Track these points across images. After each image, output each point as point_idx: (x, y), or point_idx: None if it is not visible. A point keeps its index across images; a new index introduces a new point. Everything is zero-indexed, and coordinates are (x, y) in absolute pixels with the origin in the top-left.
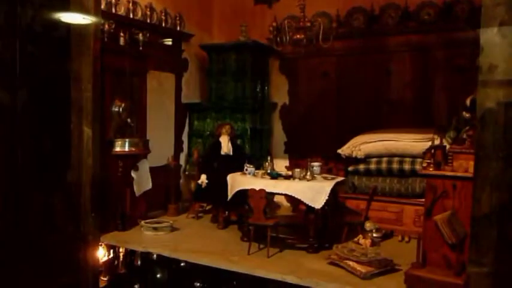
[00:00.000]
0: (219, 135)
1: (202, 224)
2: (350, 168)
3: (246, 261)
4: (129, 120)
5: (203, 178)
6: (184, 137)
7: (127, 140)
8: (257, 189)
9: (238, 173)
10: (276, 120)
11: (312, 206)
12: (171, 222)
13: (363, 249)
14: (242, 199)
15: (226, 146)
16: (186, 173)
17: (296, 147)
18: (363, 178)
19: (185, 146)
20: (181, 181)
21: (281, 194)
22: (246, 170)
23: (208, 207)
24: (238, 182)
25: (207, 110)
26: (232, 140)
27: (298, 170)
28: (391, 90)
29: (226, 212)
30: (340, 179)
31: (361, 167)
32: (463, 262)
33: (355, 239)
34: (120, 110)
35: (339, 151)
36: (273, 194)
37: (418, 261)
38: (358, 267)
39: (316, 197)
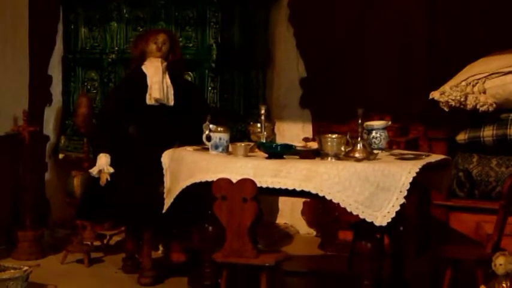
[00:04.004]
0: (142, 59)
1: (102, 274)
2: (460, 138)
3: None
4: None
5: (102, 163)
6: (55, 67)
7: None
8: (235, 180)
9: (189, 148)
10: (280, 27)
11: (368, 220)
12: (26, 269)
13: None
14: (197, 210)
15: (158, 84)
16: (61, 155)
17: (328, 93)
18: (490, 160)
19: (57, 88)
20: (47, 175)
21: (293, 195)
22: (209, 138)
23: (114, 236)
24: (188, 166)
25: None
26: (175, 71)
27: (335, 137)
28: None
29: (160, 247)
30: (434, 158)
31: (487, 133)
32: None
33: None
34: None
35: (435, 96)
36: (273, 194)
37: None
38: None
39: (378, 198)
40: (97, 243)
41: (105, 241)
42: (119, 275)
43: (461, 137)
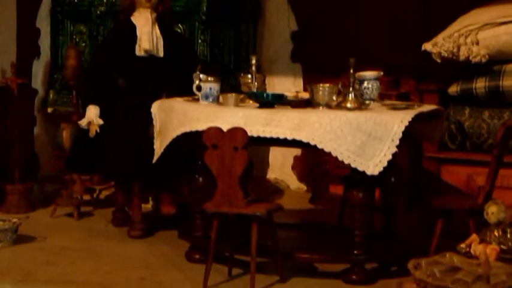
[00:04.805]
0: (131, 10)
1: (92, 227)
2: (452, 90)
3: None
4: None
5: (91, 115)
6: (43, 20)
7: None
8: (226, 129)
9: (179, 99)
10: None
11: (360, 169)
12: (15, 221)
13: (478, 267)
14: (187, 162)
15: (147, 35)
16: (50, 109)
17: (320, 47)
18: (482, 112)
19: (45, 41)
20: (36, 129)
21: (284, 144)
22: (199, 88)
23: (104, 190)
24: (178, 116)
25: None
26: (165, 22)
27: (327, 86)
28: None
29: (150, 199)
30: (427, 108)
31: (479, 84)
32: None
33: (462, 245)
34: None
35: (427, 47)
36: (264, 143)
37: None
38: None
39: (370, 147)
40: (86, 197)
41: (94, 195)
42: (108, 228)
43: (453, 89)
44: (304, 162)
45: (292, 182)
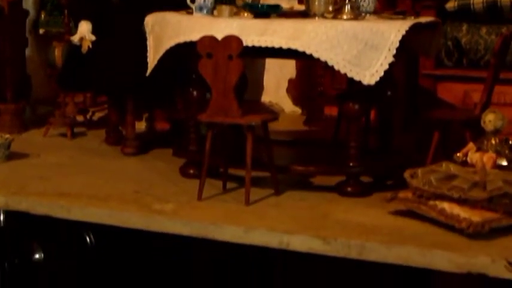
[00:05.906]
0: None
1: (86, 146)
2: (449, 6)
3: (192, 211)
4: None
5: (83, 30)
6: None
7: None
8: (220, 38)
9: (174, 13)
10: None
11: (356, 79)
12: (7, 137)
13: (475, 174)
14: (182, 76)
15: None
16: (41, 30)
17: None
18: (479, 29)
19: None
20: (28, 51)
21: (279, 55)
22: (193, 0)
23: (97, 112)
24: (173, 27)
25: None
26: None
27: None
28: None
29: (144, 117)
30: (424, 20)
31: (477, 0)
32: None
33: (458, 154)
34: None
35: None
36: (259, 54)
37: None
38: (463, 212)
39: (367, 57)
40: (80, 118)
41: (87, 116)
42: (102, 146)
43: (450, 4)
44: (299, 84)
45: (287, 105)
